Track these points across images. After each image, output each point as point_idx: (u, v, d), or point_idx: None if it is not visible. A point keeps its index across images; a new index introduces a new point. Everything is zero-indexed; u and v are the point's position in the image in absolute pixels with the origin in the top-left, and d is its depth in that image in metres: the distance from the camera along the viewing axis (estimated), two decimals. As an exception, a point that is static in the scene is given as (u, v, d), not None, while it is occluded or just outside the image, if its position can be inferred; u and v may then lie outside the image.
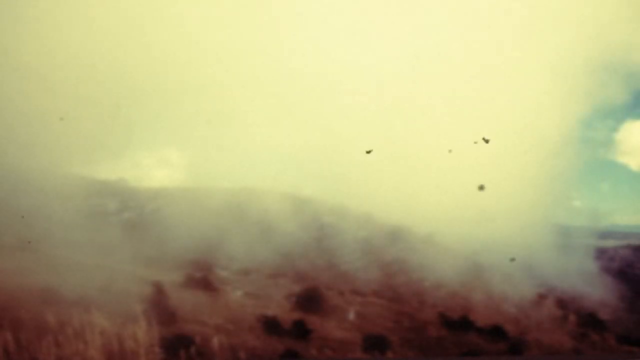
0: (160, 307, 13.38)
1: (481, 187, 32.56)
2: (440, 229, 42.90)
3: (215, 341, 8.44)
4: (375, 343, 14.65)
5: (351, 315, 20.68)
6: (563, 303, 36.67)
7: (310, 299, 20.38)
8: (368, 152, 31.26)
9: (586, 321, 30.51)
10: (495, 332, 21.78)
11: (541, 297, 35.25)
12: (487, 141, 17.46)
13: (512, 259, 37.64)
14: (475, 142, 16.80)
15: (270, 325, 14.79)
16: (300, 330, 14.92)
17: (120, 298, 15.47)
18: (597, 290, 49.52)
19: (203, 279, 21.78)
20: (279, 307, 20.27)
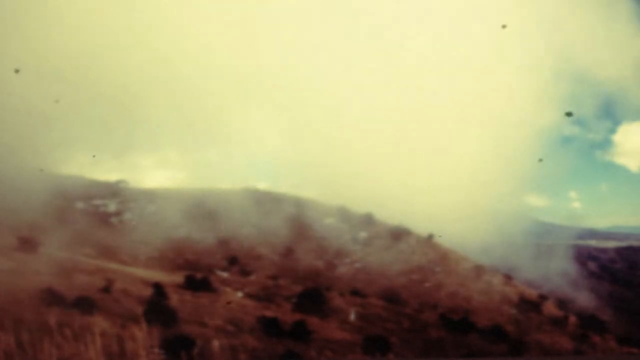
0: (161, 308, 13.36)
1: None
2: (440, 229, 43.00)
3: (216, 342, 8.44)
4: (376, 344, 14.61)
5: (352, 317, 20.66)
6: (563, 304, 36.69)
7: (310, 300, 20.34)
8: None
9: (586, 322, 30.49)
10: (496, 333, 21.75)
11: (541, 298, 35.27)
12: (569, 114, 17.78)
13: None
14: (568, 114, 17.17)
15: (271, 327, 14.74)
16: (301, 332, 14.88)
17: (121, 299, 15.48)
18: (593, 291, 49.50)
19: (203, 280, 21.75)
20: (280, 308, 20.26)
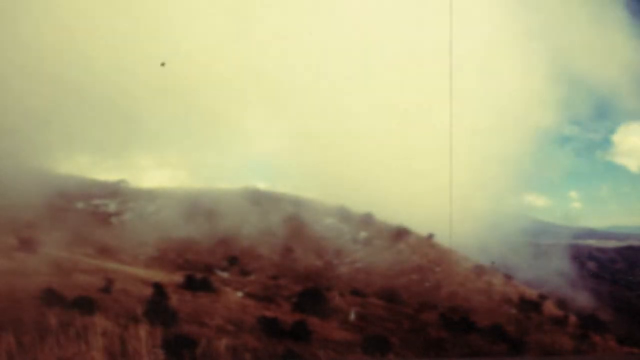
0: (161, 308, 13.36)
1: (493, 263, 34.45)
2: (439, 229, 43.05)
3: (218, 343, 8.45)
4: (376, 344, 14.61)
5: (352, 317, 20.66)
6: (563, 304, 36.68)
7: (310, 300, 20.33)
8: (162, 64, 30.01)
9: (586, 322, 30.49)
10: (496, 333, 21.75)
11: (541, 298, 35.28)
12: None
13: (493, 262, 37.84)
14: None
15: (271, 327, 14.73)
16: (301, 332, 14.88)
17: (121, 299, 15.47)
18: (593, 291, 49.58)
19: (203, 280, 21.74)
20: (280, 308, 20.27)
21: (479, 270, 37.48)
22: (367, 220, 42.54)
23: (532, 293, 36.62)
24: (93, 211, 37.10)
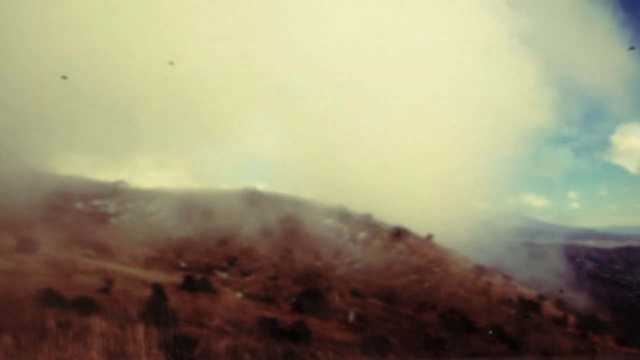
0: (160, 308, 13.33)
1: None
2: (438, 229, 43.07)
3: (217, 343, 8.43)
4: (375, 344, 14.59)
5: (351, 317, 20.64)
6: (562, 304, 36.67)
7: (310, 301, 20.32)
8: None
9: (585, 322, 30.48)
10: (496, 333, 21.74)
11: (541, 298, 35.26)
12: None
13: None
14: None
15: (271, 327, 14.70)
16: (301, 332, 14.86)
17: (121, 299, 15.44)
18: (592, 292, 49.57)
19: (203, 281, 21.71)
20: (279, 308, 20.24)
21: (479, 270, 37.47)
22: (366, 220, 42.52)
23: (531, 293, 36.62)
24: (92, 211, 37.05)
